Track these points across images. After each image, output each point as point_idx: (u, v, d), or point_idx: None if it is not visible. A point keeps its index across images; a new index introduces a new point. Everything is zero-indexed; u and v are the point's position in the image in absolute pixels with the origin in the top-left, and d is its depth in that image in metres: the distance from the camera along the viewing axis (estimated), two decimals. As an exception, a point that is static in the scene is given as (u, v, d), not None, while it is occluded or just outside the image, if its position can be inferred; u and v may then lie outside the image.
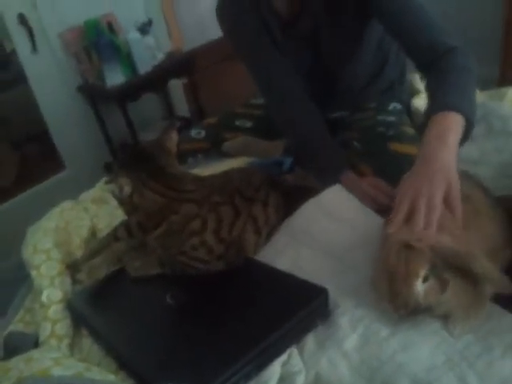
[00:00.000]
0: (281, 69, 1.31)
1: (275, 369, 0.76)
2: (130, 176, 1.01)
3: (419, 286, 0.72)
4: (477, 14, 2.75)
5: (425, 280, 0.72)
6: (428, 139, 0.92)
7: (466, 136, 0.96)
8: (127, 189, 1.01)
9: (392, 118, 1.33)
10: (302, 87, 1.30)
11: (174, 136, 1.11)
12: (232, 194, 1.04)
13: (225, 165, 1.43)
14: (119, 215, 1.23)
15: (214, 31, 3.50)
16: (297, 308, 0.80)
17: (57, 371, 0.74)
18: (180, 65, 2.91)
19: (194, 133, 1.58)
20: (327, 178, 1.16)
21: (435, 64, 1.07)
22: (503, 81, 2.46)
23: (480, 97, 1.51)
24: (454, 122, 0.93)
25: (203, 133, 1.57)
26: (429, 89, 1.08)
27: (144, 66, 2.70)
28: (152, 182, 1.02)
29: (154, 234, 1.01)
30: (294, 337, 0.80)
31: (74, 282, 1.09)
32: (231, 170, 1.19)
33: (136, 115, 2.80)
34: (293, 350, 0.79)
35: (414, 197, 0.82)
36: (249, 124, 1.56)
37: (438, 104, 0.98)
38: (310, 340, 0.80)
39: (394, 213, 0.82)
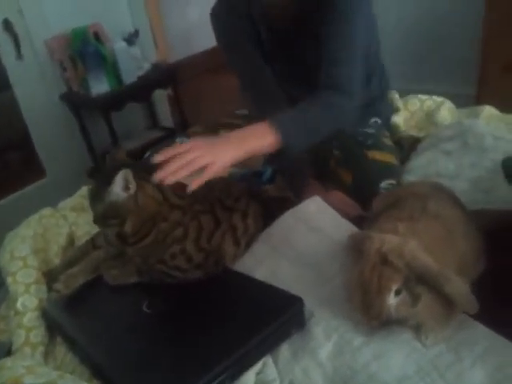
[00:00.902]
0: (263, 72, 1.35)
1: (250, 377, 0.76)
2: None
3: (391, 300, 0.73)
4: (455, 32, 2.81)
5: (397, 294, 0.74)
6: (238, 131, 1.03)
7: (285, 152, 1.04)
8: (133, 185, 0.93)
9: (372, 130, 1.36)
10: (281, 91, 1.34)
11: (122, 153, 1.09)
12: (213, 202, 1.04)
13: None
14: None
15: (200, 43, 3.53)
16: (272, 317, 0.81)
17: (29, 379, 0.73)
18: (165, 76, 2.92)
19: (178, 141, 1.58)
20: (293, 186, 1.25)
21: (323, 90, 1.15)
22: (479, 99, 2.51)
23: (457, 114, 1.56)
24: (264, 137, 1.02)
25: (187, 141, 1.57)
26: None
27: (129, 76, 2.70)
28: (148, 175, 0.96)
29: (142, 244, 0.98)
30: (268, 346, 0.80)
31: (50, 289, 1.08)
32: (212, 179, 1.19)
33: (119, 124, 2.80)
34: (268, 359, 0.80)
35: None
36: None
37: (275, 116, 1.06)
38: (284, 349, 0.81)
39: None
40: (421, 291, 0.74)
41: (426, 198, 0.90)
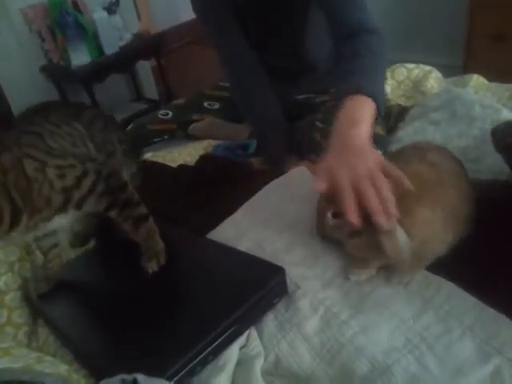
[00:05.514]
0: (242, 44, 1.33)
1: (233, 352, 0.74)
2: None
3: (330, 221, 0.81)
4: (442, 3, 2.77)
5: (334, 216, 0.80)
6: (343, 125, 0.92)
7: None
8: None
9: None
10: (259, 65, 1.33)
11: None
12: None
13: (190, 147, 1.41)
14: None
15: (184, 14, 3.45)
16: (254, 288, 0.78)
17: (3, 363, 0.70)
18: (148, 46, 2.85)
19: (160, 113, 1.56)
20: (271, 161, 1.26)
21: (351, 42, 1.09)
22: (467, 68, 2.50)
23: (444, 83, 1.53)
24: (367, 108, 0.94)
25: (170, 114, 1.55)
26: (343, 69, 1.08)
27: (111, 47, 2.64)
28: None
29: None
30: (251, 318, 0.78)
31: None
32: None
33: (103, 97, 2.73)
34: (252, 333, 0.78)
35: (353, 179, 0.77)
36: (217, 105, 1.55)
37: (353, 87, 0.97)
38: (269, 322, 0.79)
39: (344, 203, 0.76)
40: (363, 230, 0.75)
41: (427, 150, 0.88)
